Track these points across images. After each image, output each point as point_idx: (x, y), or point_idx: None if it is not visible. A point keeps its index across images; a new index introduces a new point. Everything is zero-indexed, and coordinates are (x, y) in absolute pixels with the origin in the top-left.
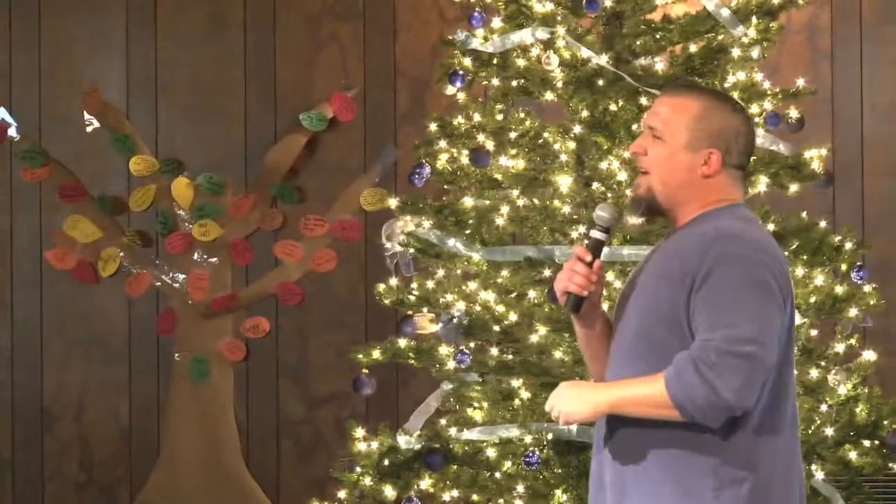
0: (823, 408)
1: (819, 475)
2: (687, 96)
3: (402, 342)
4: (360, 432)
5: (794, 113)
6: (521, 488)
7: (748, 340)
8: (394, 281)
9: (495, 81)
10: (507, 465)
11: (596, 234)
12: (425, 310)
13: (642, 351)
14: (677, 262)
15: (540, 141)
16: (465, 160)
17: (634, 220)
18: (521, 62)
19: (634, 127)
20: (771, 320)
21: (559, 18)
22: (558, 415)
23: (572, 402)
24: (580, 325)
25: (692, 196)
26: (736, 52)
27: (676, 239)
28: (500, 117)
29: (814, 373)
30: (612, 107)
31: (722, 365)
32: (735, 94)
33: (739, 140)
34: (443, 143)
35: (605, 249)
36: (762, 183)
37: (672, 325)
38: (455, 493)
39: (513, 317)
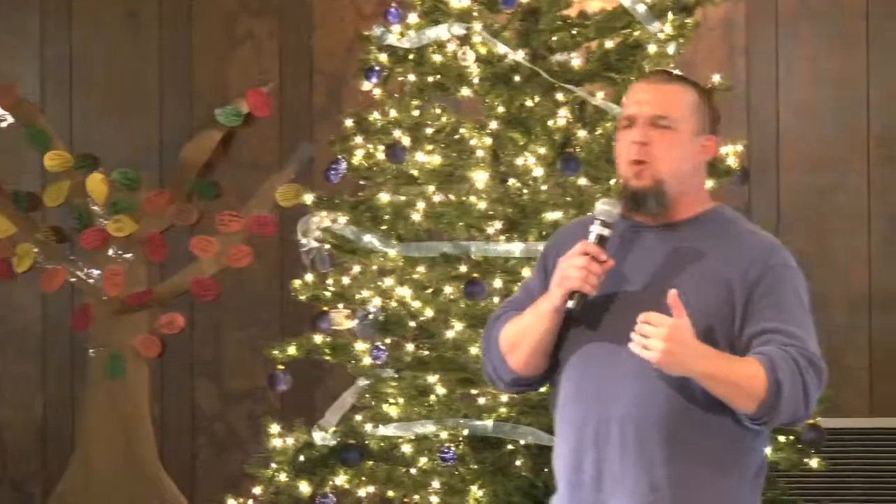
0: None
1: None
2: (678, 84)
3: (318, 338)
4: (275, 428)
5: None
6: (436, 484)
7: (821, 358)
8: (309, 277)
9: (411, 77)
10: (423, 461)
11: (600, 229)
12: (341, 306)
13: None
14: (729, 266)
15: (456, 137)
16: (381, 156)
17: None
18: (437, 58)
19: (550, 123)
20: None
21: (475, 14)
22: (660, 351)
23: (681, 354)
24: (558, 319)
25: (692, 186)
26: (652, 49)
27: (702, 236)
28: (416, 113)
29: None
30: (529, 103)
31: (817, 380)
32: None
33: (717, 125)
34: (359, 139)
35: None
36: None
37: (722, 329)
38: (371, 489)
39: (429, 313)
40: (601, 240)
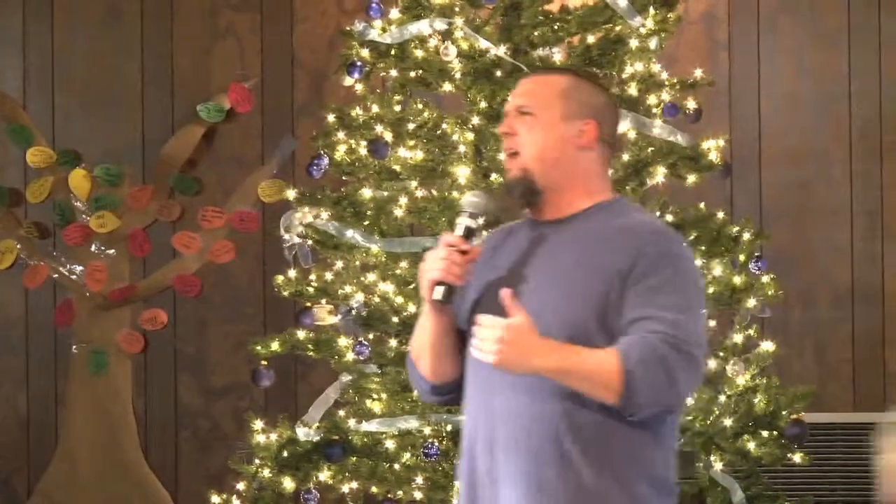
0: (722, 399)
1: (718, 466)
2: (552, 74)
3: (301, 334)
4: (258, 424)
5: (691, 104)
6: (420, 479)
7: (697, 344)
8: (292, 272)
9: (393, 72)
10: (407, 456)
11: (467, 220)
12: (324, 301)
13: (560, 341)
14: (609, 255)
15: (438, 132)
16: (363, 151)
17: (519, 211)
18: (419, 53)
19: None
20: (705, 325)
21: (457, 9)
22: (495, 353)
23: (519, 354)
24: (439, 316)
25: (571, 176)
26: (634, 43)
27: (590, 225)
28: (398, 108)
29: (712, 363)
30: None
31: (684, 364)
32: (633, 85)
33: (609, 113)
34: (341, 135)
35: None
36: (660, 174)
37: (602, 319)
38: (354, 484)
39: (411, 308)
40: (468, 231)
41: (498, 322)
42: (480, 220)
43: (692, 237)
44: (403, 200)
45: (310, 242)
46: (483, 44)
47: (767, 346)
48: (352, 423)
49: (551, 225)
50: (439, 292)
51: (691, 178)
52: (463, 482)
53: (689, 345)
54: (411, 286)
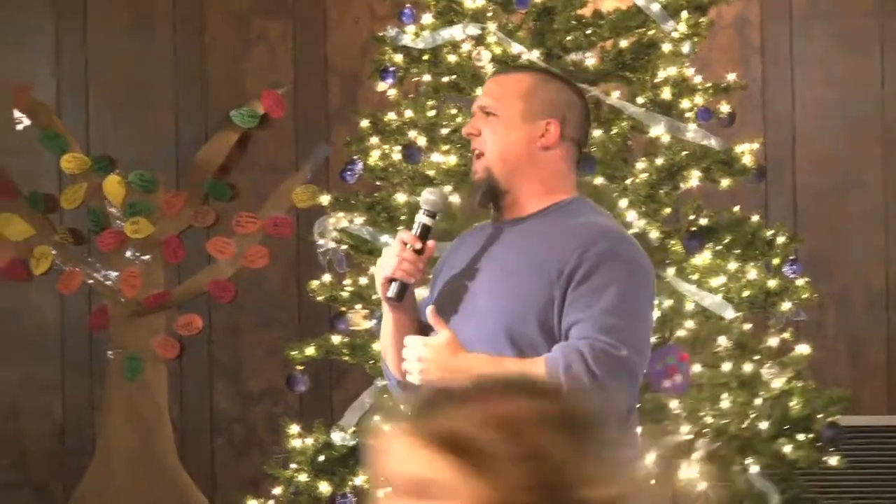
0: (758, 402)
1: (754, 469)
2: (516, 73)
3: (336, 339)
4: (294, 429)
5: (725, 108)
6: None
7: (634, 348)
8: (327, 277)
9: (426, 78)
10: None
11: (423, 218)
12: (358, 306)
13: (502, 345)
14: (554, 255)
15: None
16: (396, 156)
17: (478, 209)
18: (452, 58)
19: None
20: (650, 329)
21: (490, 14)
22: (417, 372)
23: (441, 371)
24: (397, 313)
25: (533, 174)
26: (666, 48)
27: (538, 227)
28: (431, 113)
29: (748, 367)
30: None
31: (613, 369)
32: (666, 89)
33: (574, 112)
34: (374, 140)
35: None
36: (694, 177)
37: (543, 323)
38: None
39: None
40: (424, 229)
41: (419, 341)
42: (438, 218)
43: (726, 241)
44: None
45: (344, 247)
46: (516, 48)
47: (802, 349)
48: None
49: (509, 224)
50: (392, 290)
51: (725, 182)
52: None
53: (620, 349)
54: None
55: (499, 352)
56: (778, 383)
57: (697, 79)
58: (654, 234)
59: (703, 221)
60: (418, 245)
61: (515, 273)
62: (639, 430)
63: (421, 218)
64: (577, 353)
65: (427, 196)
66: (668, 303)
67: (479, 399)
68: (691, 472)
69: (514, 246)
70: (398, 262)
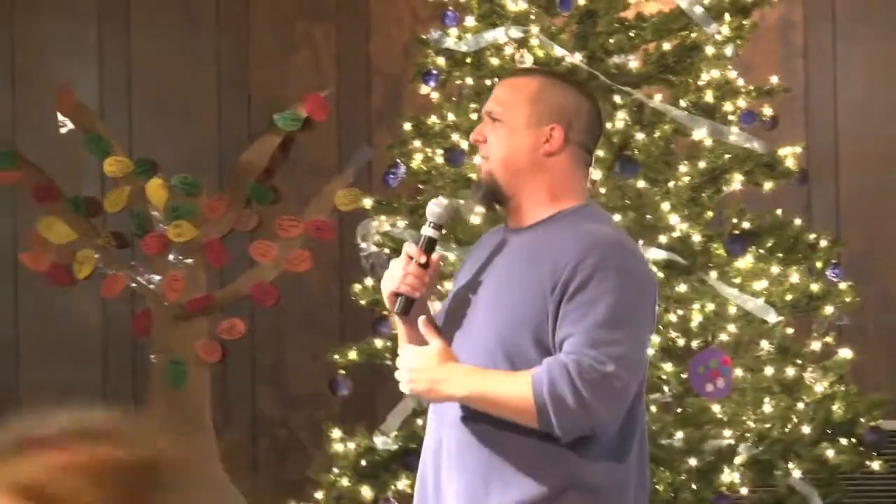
0: (800, 406)
1: (796, 474)
2: (524, 77)
3: (379, 343)
4: (337, 433)
5: (767, 111)
6: None
7: (624, 364)
8: (369, 281)
9: (469, 81)
10: None
11: (428, 231)
12: None
13: (497, 360)
14: (548, 266)
15: None
16: (439, 160)
17: (473, 209)
18: (494, 61)
19: (608, 125)
20: (644, 344)
21: (532, 17)
22: (407, 385)
23: (430, 382)
24: (407, 326)
25: (537, 181)
26: (709, 50)
27: (538, 237)
28: (474, 116)
29: (790, 371)
30: None
31: (598, 385)
32: (709, 92)
33: (582, 116)
34: (417, 143)
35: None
36: (737, 181)
37: (537, 337)
38: None
39: None
40: (429, 242)
41: (410, 351)
42: (443, 231)
43: (769, 244)
44: (480, 208)
45: (386, 251)
46: (558, 51)
47: (845, 353)
48: None
49: (513, 234)
50: (398, 304)
51: (768, 185)
52: (417, 485)
53: (606, 364)
54: None
55: (494, 366)
56: (820, 387)
57: (740, 82)
58: (696, 238)
59: (746, 225)
60: (423, 259)
61: (511, 286)
62: (636, 453)
63: (426, 230)
64: (563, 370)
65: (433, 208)
66: (710, 306)
67: (62, 446)
68: (733, 476)
69: (514, 258)
70: (402, 277)
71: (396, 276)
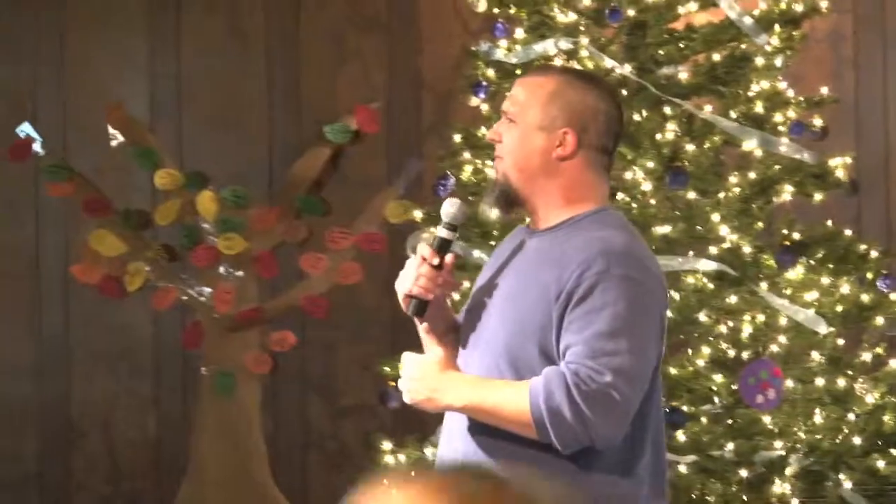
0: (851, 417)
1: (847, 485)
2: (542, 75)
3: None
4: (387, 445)
5: (817, 121)
6: None
7: (623, 375)
8: None
9: None
10: None
11: (442, 232)
12: None
13: (504, 368)
14: (555, 274)
15: None
16: (489, 171)
17: (490, 210)
18: None
19: (658, 136)
20: (649, 358)
21: (582, 29)
22: (407, 394)
23: (428, 391)
24: (428, 327)
25: (551, 186)
26: (759, 61)
27: (549, 243)
28: None
29: (841, 382)
30: (636, 117)
31: (595, 397)
32: (759, 103)
33: (599, 119)
34: (467, 155)
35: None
36: (787, 191)
37: (542, 345)
38: None
39: None
40: (442, 243)
41: (410, 359)
42: (457, 233)
43: (819, 255)
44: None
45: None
46: (608, 63)
47: None
48: None
49: (532, 236)
50: (412, 307)
51: (818, 196)
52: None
53: (604, 375)
54: None
55: (499, 373)
56: (871, 398)
57: (790, 92)
58: (746, 249)
59: (796, 236)
60: (436, 260)
61: (520, 293)
62: (648, 463)
63: (440, 231)
64: (561, 380)
65: (447, 208)
66: (760, 318)
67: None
68: (784, 487)
69: (527, 262)
70: (415, 278)
71: (409, 278)
